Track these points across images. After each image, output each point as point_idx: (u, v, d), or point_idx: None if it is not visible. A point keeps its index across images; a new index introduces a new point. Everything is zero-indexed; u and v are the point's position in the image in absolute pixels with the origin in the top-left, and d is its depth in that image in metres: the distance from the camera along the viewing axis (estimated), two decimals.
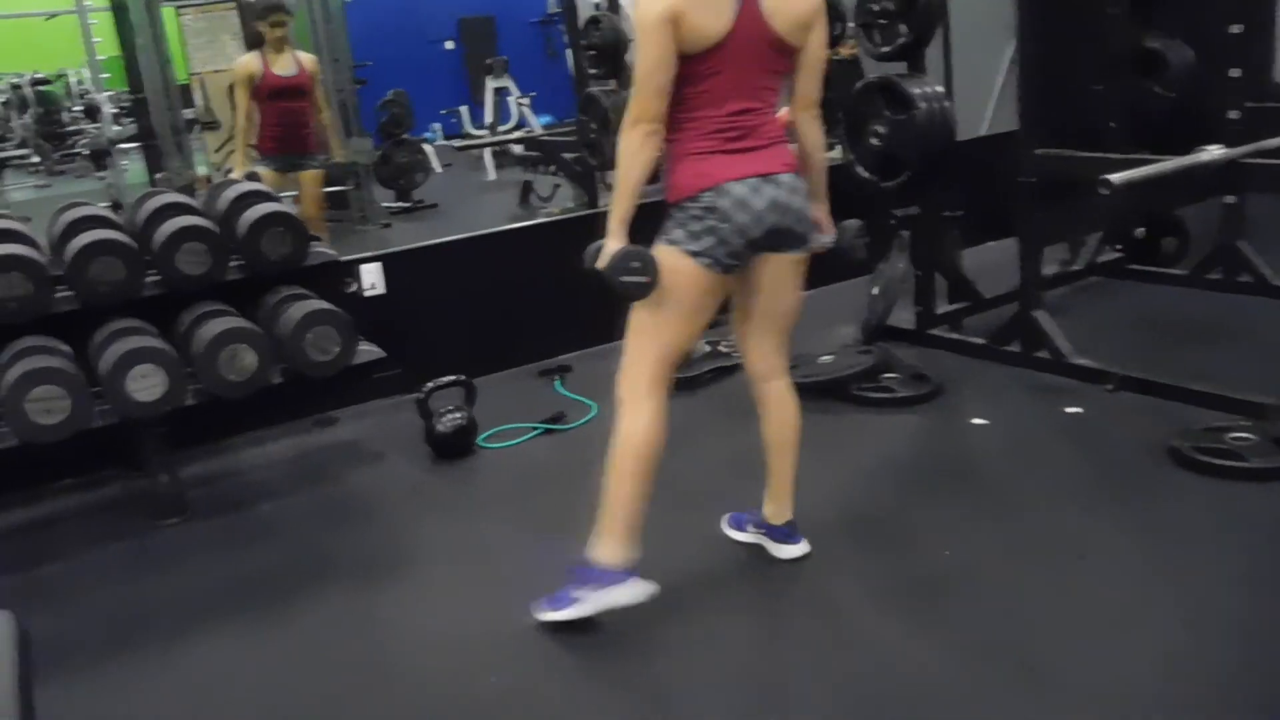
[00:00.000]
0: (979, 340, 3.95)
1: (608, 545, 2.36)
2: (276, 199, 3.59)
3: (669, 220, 2.32)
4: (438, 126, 10.59)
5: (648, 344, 2.37)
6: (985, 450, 3.28)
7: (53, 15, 8.75)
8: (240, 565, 2.93)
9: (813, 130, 2.45)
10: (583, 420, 3.70)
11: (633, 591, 2.36)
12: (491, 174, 9.23)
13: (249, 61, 5.03)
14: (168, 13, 7.00)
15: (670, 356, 2.39)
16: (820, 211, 2.53)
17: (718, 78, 2.23)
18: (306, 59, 5.20)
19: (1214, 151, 3.03)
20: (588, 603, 2.37)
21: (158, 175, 6.87)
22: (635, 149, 2.21)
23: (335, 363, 3.25)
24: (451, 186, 9.01)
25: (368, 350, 3.42)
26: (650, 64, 2.18)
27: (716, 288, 2.36)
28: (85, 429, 2.94)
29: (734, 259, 2.32)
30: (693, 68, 2.21)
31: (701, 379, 3.97)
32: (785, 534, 2.66)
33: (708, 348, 4.13)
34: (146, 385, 2.98)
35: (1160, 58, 4.17)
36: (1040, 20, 3.58)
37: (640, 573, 2.37)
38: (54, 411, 2.88)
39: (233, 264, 3.34)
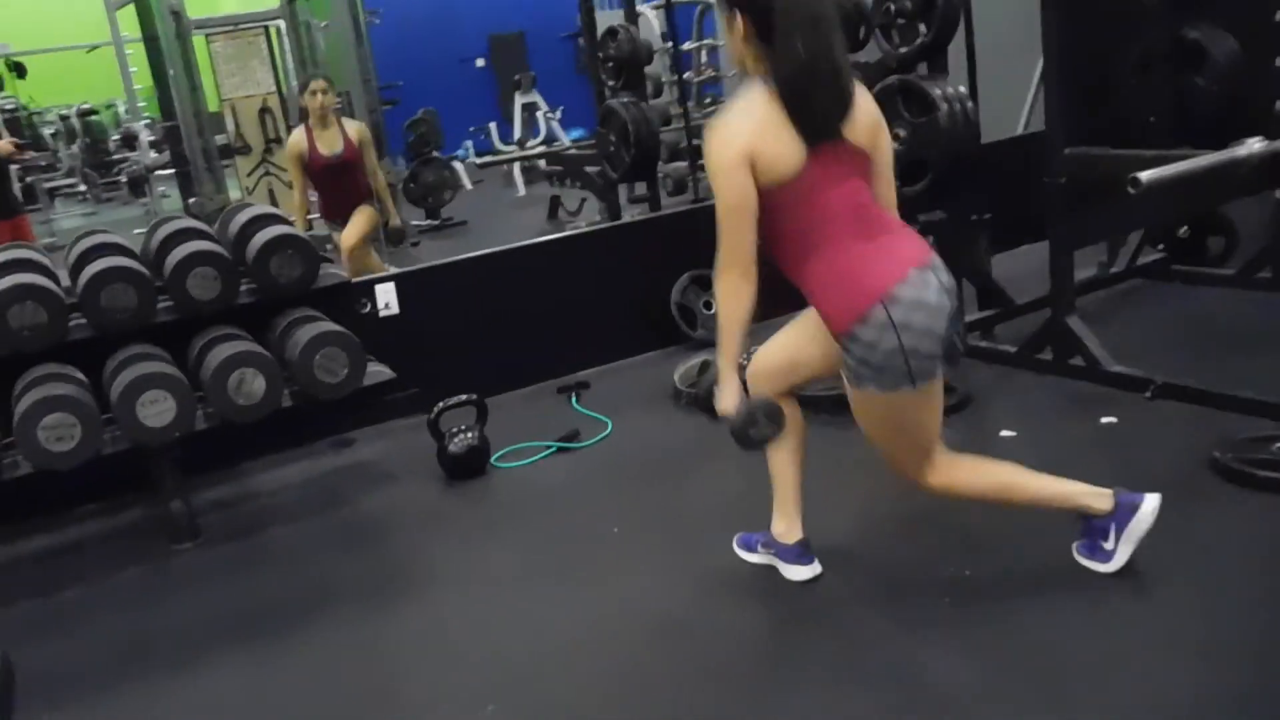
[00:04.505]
0: (1010, 348, 3.81)
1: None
2: (287, 222, 3.58)
3: (848, 358, 2.15)
4: (469, 144, 10.64)
5: (911, 452, 2.36)
6: (1015, 462, 3.14)
7: (94, 47, 8.92)
8: (250, 591, 2.91)
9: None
10: (597, 438, 3.63)
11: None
12: (521, 189, 9.23)
13: (297, 140, 5.08)
14: (198, 41, 7.11)
15: (930, 444, 2.36)
16: None
17: (820, 190, 2.12)
18: (353, 130, 5.22)
19: (1253, 145, 2.87)
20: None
21: (190, 201, 6.96)
22: (731, 294, 2.15)
23: (344, 385, 3.21)
24: (482, 203, 9.02)
25: (377, 371, 3.39)
26: (732, 205, 2.10)
27: (933, 392, 2.25)
28: (96, 456, 2.93)
29: (932, 363, 2.16)
30: (790, 193, 2.11)
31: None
32: (797, 554, 2.56)
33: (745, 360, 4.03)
34: (156, 411, 2.97)
35: (1201, 49, 4.02)
36: (1069, 11, 3.45)
37: (654, 593, 2.29)
38: (65, 439, 2.88)
39: (244, 287, 3.33)
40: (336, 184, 5.15)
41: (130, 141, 8.14)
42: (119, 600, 2.93)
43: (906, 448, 2.33)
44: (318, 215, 5.43)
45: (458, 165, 9.27)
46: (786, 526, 2.57)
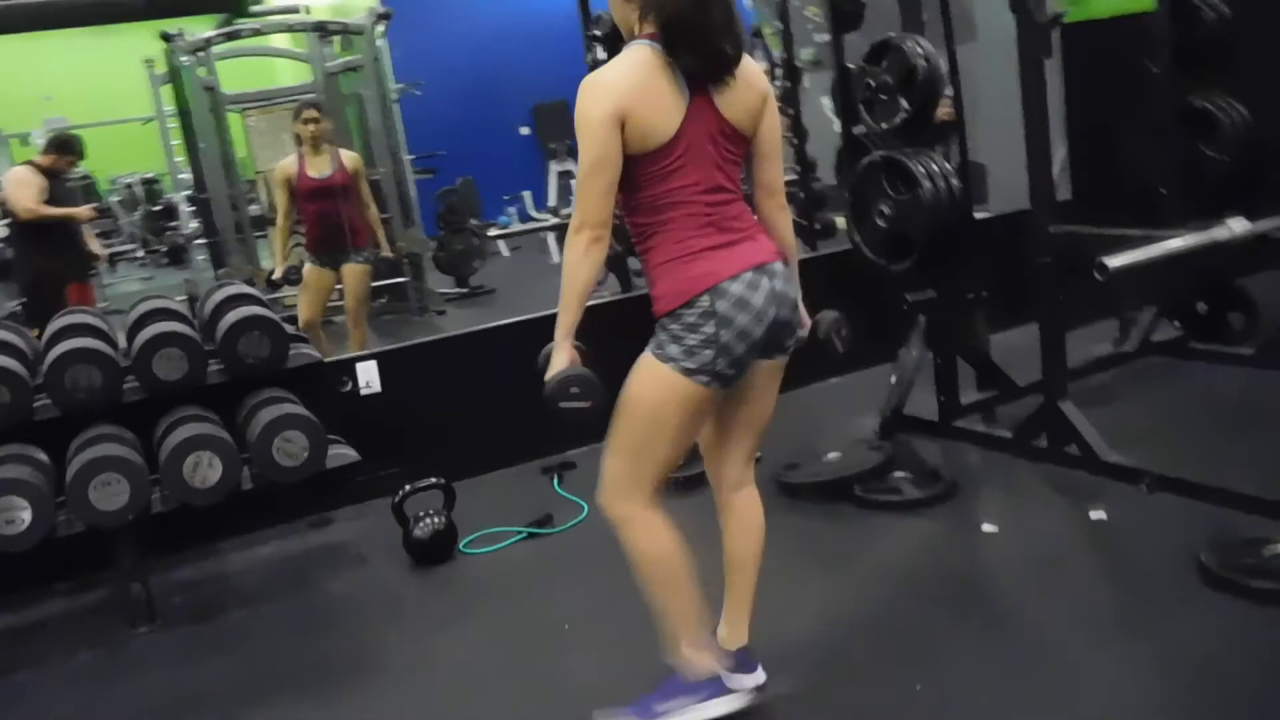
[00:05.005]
0: (1005, 434, 3.63)
1: (683, 650, 2.23)
2: (260, 301, 3.59)
3: (661, 332, 2.12)
4: (513, 211, 10.74)
5: (638, 464, 2.18)
6: (992, 562, 2.98)
7: (149, 120, 9.23)
8: (199, 678, 2.88)
9: (780, 219, 2.29)
10: (570, 523, 3.54)
11: (743, 685, 2.27)
12: (554, 257, 9.25)
13: (287, 165, 5.11)
14: (234, 115, 7.31)
15: (664, 473, 2.21)
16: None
17: (681, 173, 2.08)
18: (347, 158, 5.24)
19: (1234, 227, 2.72)
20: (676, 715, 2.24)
21: (220, 271, 7.09)
22: (580, 256, 2.07)
23: (304, 468, 3.18)
24: (514, 271, 9.07)
25: (341, 454, 3.35)
26: (593, 163, 2.03)
27: (713, 402, 2.18)
28: (46, 539, 2.93)
29: (735, 369, 2.13)
30: (651, 165, 2.06)
31: (702, 476, 3.75)
32: (740, 661, 2.41)
33: None
34: (109, 494, 2.96)
35: (1210, 117, 3.87)
36: (1076, 77, 3.33)
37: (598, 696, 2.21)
38: (15, 522, 2.88)
39: (213, 367, 3.33)
40: (324, 210, 5.06)
41: (171, 212, 8.40)
42: (67, 684, 2.91)
43: (644, 453, 2.16)
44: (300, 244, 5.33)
45: (495, 232, 9.36)
46: (731, 632, 2.41)
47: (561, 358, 2.12)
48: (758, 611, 2.46)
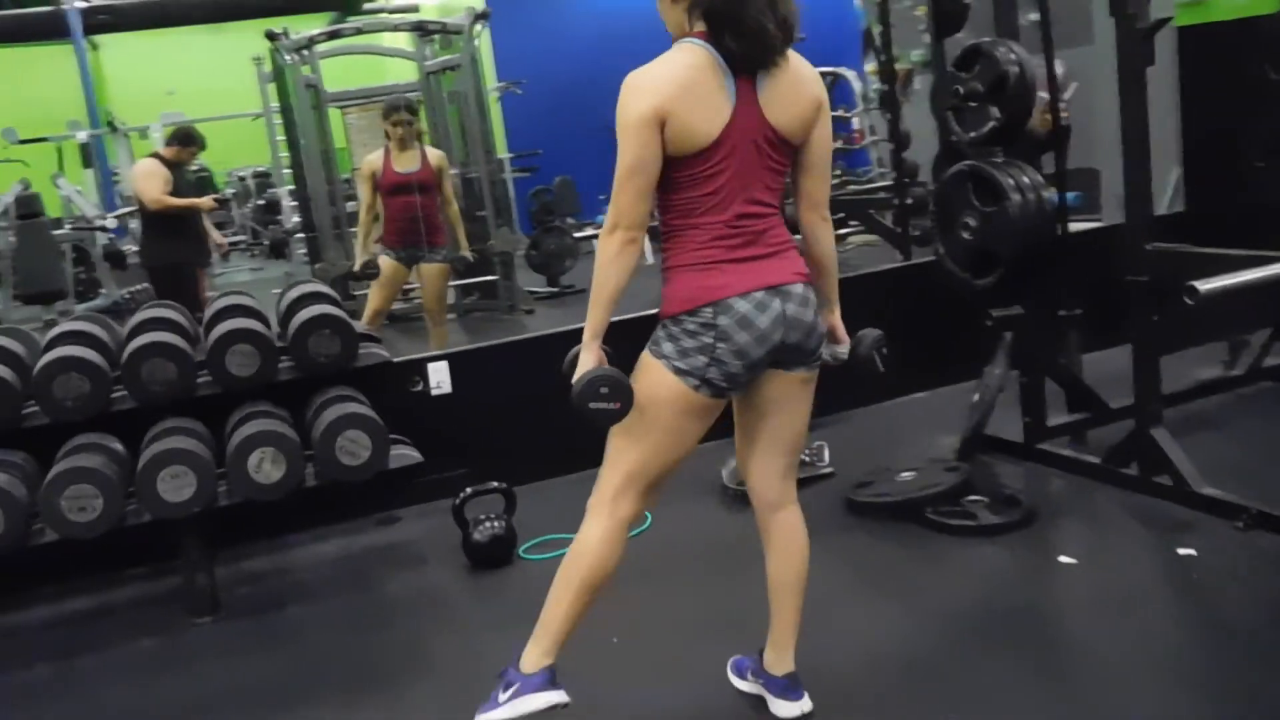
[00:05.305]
0: (1094, 459, 3.43)
1: (532, 651, 2.19)
2: (332, 300, 3.63)
3: (659, 331, 2.11)
4: None
5: (622, 456, 2.16)
6: (1063, 598, 2.81)
7: (258, 116, 9.53)
8: (252, 670, 2.92)
9: (822, 233, 2.21)
10: (632, 534, 3.44)
11: (544, 699, 2.16)
12: (650, 258, 9.21)
13: (372, 159, 5.18)
14: (335, 112, 7.47)
15: (644, 475, 2.16)
16: (834, 320, 2.30)
17: (717, 179, 2.02)
18: (433, 154, 5.30)
19: None
20: (506, 707, 2.17)
21: (316, 265, 7.27)
22: (612, 256, 2.02)
23: (365, 468, 3.19)
24: None
25: (404, 455, 3.36)
26: (631, 165, 1.98)
27: (703, 412, 2.13)
28: (116, 528, 3.01)
29: (728, 383, 2.08)
30: (687, 170, 2.02)
31: None
32: (784, 686, 2.32)
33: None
34: (175, 486, 3.01)
35: None
36: (1193, 86, 3.13)
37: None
38: (87, 509, 2.96)
39: (284, 365, 3.38)
40: (406, 206, 5.10)
41: (274, 206, 8.64)
42: (122, 672, 2.97)
43: (631, 450, 2.12)
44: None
45: (593, 230, 9.38)
46: (776, 657, 2.34)
47: (589, 358, 2.08)
48: (803, 632, 2.36)
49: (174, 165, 5.71)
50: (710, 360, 2.04)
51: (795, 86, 2.04)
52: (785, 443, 2.25)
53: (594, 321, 2.08)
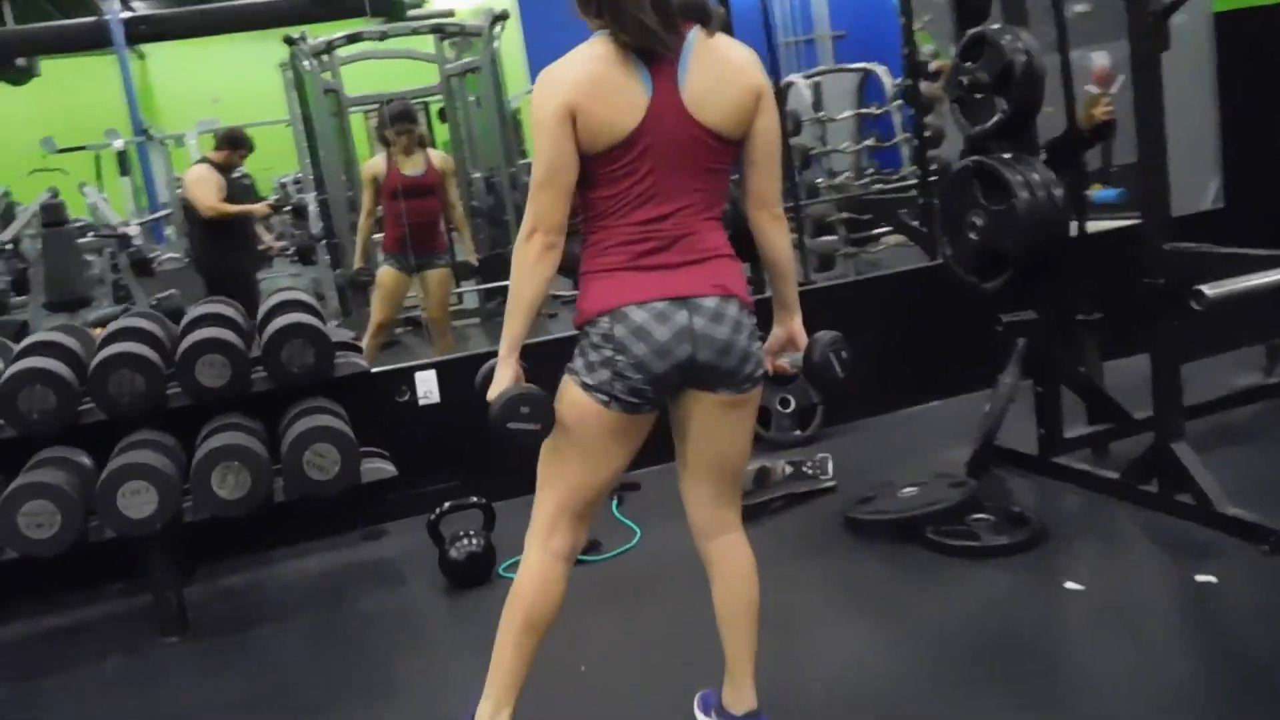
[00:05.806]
0: (1112, 474, 3.20)
1: (484, 707, 2.03)
2: (309, 308, 3.52)
3: (576, 346, 1.98)
4: None
5: (551, 485, 2.03)
6: (1068, 625, 2.58)
7: (288, 122, 9.50)
8: (216, 691, 2.82)
9: (774, 232, 2.03)
10: (616, 551, 3.32)
11: None
12: None
13: (375, 163, 5.10)
14: (357, 119, 7.40)
15: (575, 503, 2.02)
16: (794, 326, 2.12)
17: (629, 179, 1.87)
18: (437, 158, 5.19)
19: None
20: None
21: (336, 271, 7.21)
22: (531, 263, 1.88)
23: (335, 482, 3.07)
24: None
25: (377, 468, 3.24)
26: (546, 165, 1.84)
27: (624, 431, 1.97)
28: (76, 544, 2.92)
29: (636, 397, 1.92)
30: (600, 168, 1.87)
31: (770, 505, 3.48)
32: None
33: (790, 469, 3.62)
34: (136, 502, 2.92)
35: None
36: (1231, 75, 2.90)
37: None
38: (45, 526, 2.88)
39: (258, 375, 3.27)
40: (410, 210, 4.98)
41: (300, 213, 8.63)
42: (86, 693, 2.89)
43: (566, 483, 2.00)
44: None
45: None
46: (734, 695, 2.17)
47: (506, 374, 1.94)
48: (783, 660, 2.18)
49: (224, 169, 5.52)
50: (614, 374, 1.90)
51: (725, 76, 1.86)
52: (713, 469, 2.07)
53: (511, 333, 1.94)
